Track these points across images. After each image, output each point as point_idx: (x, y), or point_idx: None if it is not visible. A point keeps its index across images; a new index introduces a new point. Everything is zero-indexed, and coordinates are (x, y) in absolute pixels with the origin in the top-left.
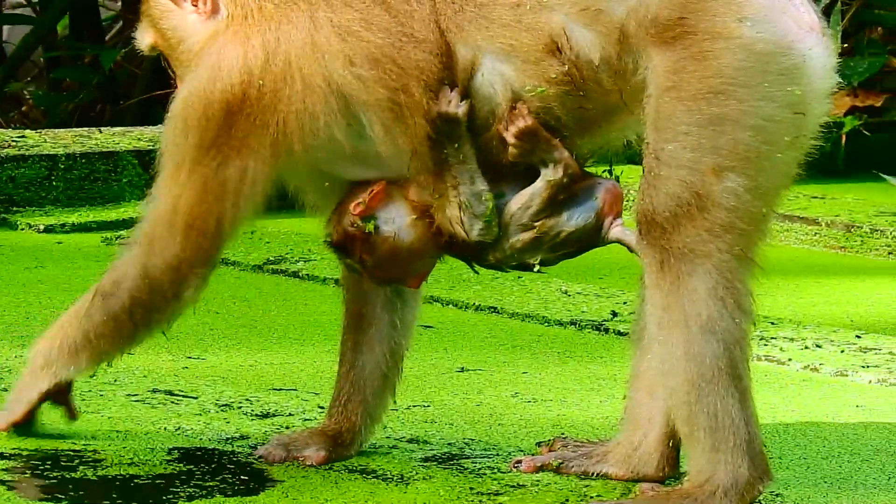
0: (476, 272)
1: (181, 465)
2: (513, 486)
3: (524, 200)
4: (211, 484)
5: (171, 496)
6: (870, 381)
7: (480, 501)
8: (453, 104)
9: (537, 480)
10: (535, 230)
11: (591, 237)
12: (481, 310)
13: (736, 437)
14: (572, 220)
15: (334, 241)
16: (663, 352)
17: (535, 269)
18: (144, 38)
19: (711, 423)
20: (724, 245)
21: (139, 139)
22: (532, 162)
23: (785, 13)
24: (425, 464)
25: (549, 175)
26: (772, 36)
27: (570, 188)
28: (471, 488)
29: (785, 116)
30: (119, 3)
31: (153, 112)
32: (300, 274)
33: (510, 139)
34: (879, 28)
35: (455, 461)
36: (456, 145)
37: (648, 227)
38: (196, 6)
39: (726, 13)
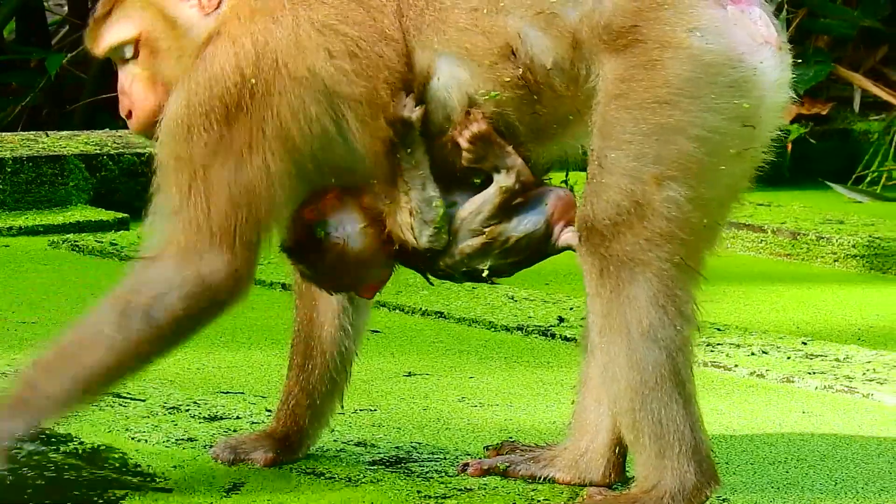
0: (430, 282)
1: (130, 467)
2: (460, 490)
3: (475, 206)
4: (160, 486)
5: (119, 498)
6: (815, 388)
7: None
8: (408, 108)
9: (484, 484)
10: (484, 236)
11: (541, 244)
12: (428, 315)
13: (681, 443)
14: (521, 226)
15: (287, 245)
16: (605, 359)
17: (487, 279)
18: (127, 28)
19: (656, 429)
20: (664, 254)
21: (86, 143)
22: (484, 168)
23: (737, 25)
24: (373, 467)
25: (502, 181)
26: (721, 47)
27: (522, 195)
28: (418, 492)
29: (731, 128)
30: (65, 8)
31: (99, 116)
32: None
33: (464, 144)
34: (825, 36)
35: (403, 465)
36: (409, 150)
37: (589, 233)
38: (199, 1)
39: (677, 23)
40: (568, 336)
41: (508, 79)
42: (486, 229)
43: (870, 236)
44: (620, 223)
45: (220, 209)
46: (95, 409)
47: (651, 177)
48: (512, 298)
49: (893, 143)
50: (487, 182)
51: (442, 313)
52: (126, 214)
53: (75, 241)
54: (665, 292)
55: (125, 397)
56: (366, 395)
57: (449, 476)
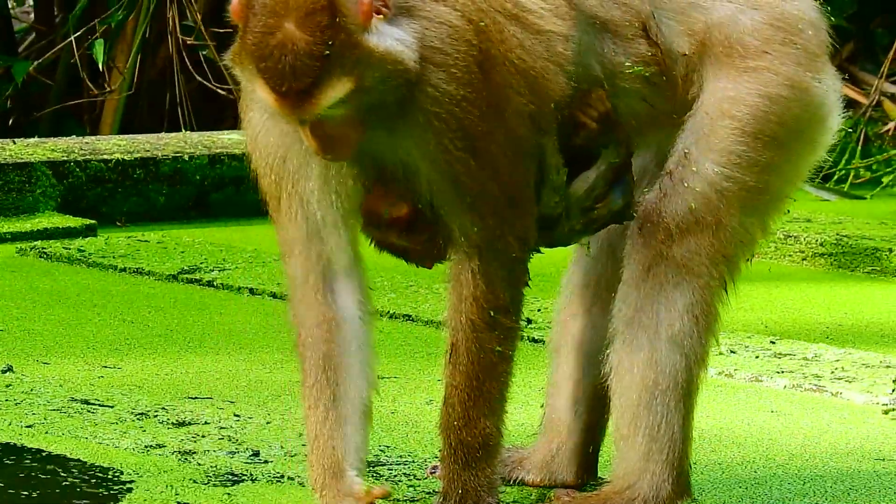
0: (539, 251)
1: (98, 473)
2: (428, 493)
3: (589, 182)
4: (129, 492)
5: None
6: (784, 387)
7: None
8: (602, 101)
9: None
10: (596, 211)
11: (627, 214)
12: (396, 318)
13: (671, 451)
14: (618, 199)
15: (398, 216)
16: (624, 350)
17: (587, 248)
18: (343, 84)
19: (653, 430)
20: (717, 271)
21: (53, 150)
22: (597, 143)
23: (836, 80)
24: None
25: (611, 156)
26: (831, 102)
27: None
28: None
29: (807, 174)
30: (32, 16)
31: (66, 123)
32: (215, 283)
33: (590, 122)
34: None
35: (371, 468)
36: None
37: (652, 227)
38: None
39: (806, 66)
40: (536, 337)
41: (645, 56)
42: (598, 205)
43: (837, 234)
44: (690, 229)
45: (508, 173)
46: (63, 415)
47: (738, 200)
48: None
49: (860, 142)
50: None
51: (410, 316)
52: (93, 221)
53: (43, 248)
54: (703, 305)
55: (93, 403)
56: None
57: (417, 479)
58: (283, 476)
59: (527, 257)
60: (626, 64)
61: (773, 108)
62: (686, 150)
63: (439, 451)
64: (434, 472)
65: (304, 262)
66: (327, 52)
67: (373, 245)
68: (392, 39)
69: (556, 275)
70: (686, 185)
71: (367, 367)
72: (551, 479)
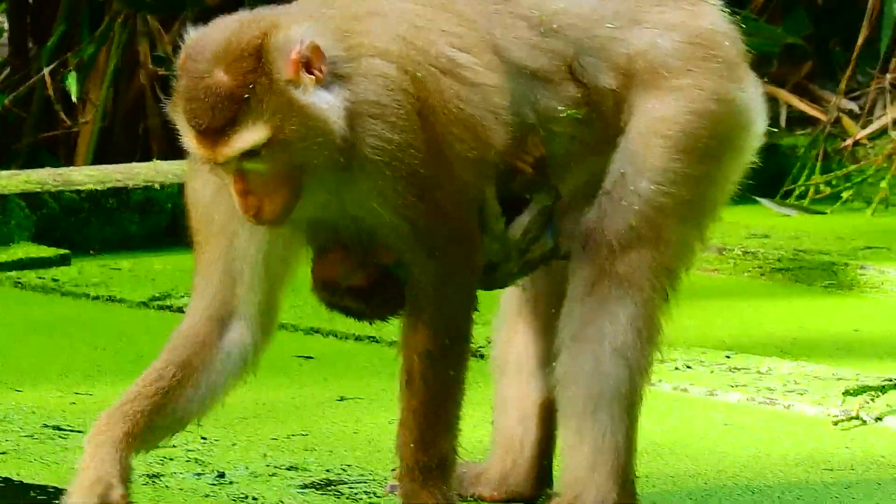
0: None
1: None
2: None
3: (524, 226)
4: None
5: None
6: (737, 400)
7: None
8: (537, 146)
9: None
10: (531, 253)
11: (557, 253)
12: (361, 339)
13: (616, 461)
14: (549, 240)
15: (356, 284)
16: (570, 362)
17: (523, 288)
18: (260, 131)
19: (598, 441)
20: (659, 283)
21: (27, 182)
22: (531, 188)
23: (757, 86)
24: (303, 490)
25: (544, 200)
26: (754, 109)
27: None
28: None
29: (739, 178)
30: (6, 49)
31: (41, 155)
32: (184, 309)
33: (527, 168)
34: (750, 54)
35: (333, 487)
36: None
37: (594, 245)
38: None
39: (729, 78)
40: (482, 354)
41: (575, 97)
42: (533, 247)
43: (795, 249)
44: (631, 245)
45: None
46: (35, 441)
47: (676, 214)
48: None
49: (819, 158)
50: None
51: (374, 338)
52: (67, 250)
53: (18, 278)
54: (645, 318)
55: (65, 429)
56: (298, 419)
57: (378, 497)
58: (247, 496)
59: (475, 286)
60: (559, 108)
61: (702, 123)
62: (622, 171)
63: (398, 470)
64: (393, 491)
65: (206, 301)
66: (246, 94)
67: (324, 306)
68: (318, 99)
69: (492, 294)
70: (624, 203)
71: (212, 394)
72: (509, 493)
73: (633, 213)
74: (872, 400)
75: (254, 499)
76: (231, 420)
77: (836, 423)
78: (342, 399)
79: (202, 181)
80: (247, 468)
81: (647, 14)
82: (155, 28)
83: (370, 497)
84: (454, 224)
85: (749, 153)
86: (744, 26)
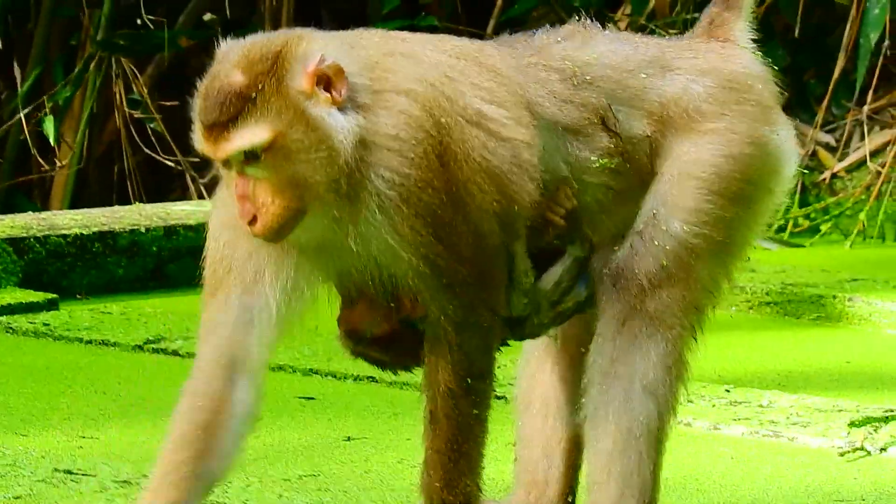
0: (508, 345)
1: None
2: None
3: (556, 277)
4: None
5: None
6: (742, 434)
7: None
8: (569, 198)
9: None
10: (563, 304)
11: (590, 303)
12: (360, 380)
13: (642, 496)
14: (583, 290)
15: (379, 334)
16: (600, 399)
17: (555, 339)
18: (262, 131)
19: (626, 477)
20: (688, 321)
21: (12, 227)
22: (564, 240)
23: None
24: None
25: (577, 251)
26: (788, 152)
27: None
28: None
29: (770, 216)
30: None
31: (17, 199)
32: (180, 352)
33: (558, 220)
34: None
35: None
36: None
37: (625, 283)
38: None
39: (763, 120)
40: (499, 394)
41: (608, 147)
42: (566, 298)
43: (782, 283)
44: (662, 284)
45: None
46: (49, 485)
47: (707, 254)
48: None
49: (798, 190)
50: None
51: (373, 378)
52: (55, 295)
53: (8, 323)
54: (675, 355)
55: (76, 473)
56: (308, 460)
57: None
58: None
59: (498, 326)
60: (592, 159)
61: (735, 167)
62: (654, 211)
63: None
64: None
65: (217, 347)
66: (254, 94)
67: (349, 355)
68: (328, 117)
69: None
70: (656, 243)
71: (235, 450)
72: None
73: (665, 252)
74: (876, 431)
75: None
76: (242, 462)
77: (842, 455)
78: (349, 439)
79: (225, 216)
80: None
81: (678, 60)
82: (129, 70)
83: None
84: (474, 268)
85: (780, 195)
86: None
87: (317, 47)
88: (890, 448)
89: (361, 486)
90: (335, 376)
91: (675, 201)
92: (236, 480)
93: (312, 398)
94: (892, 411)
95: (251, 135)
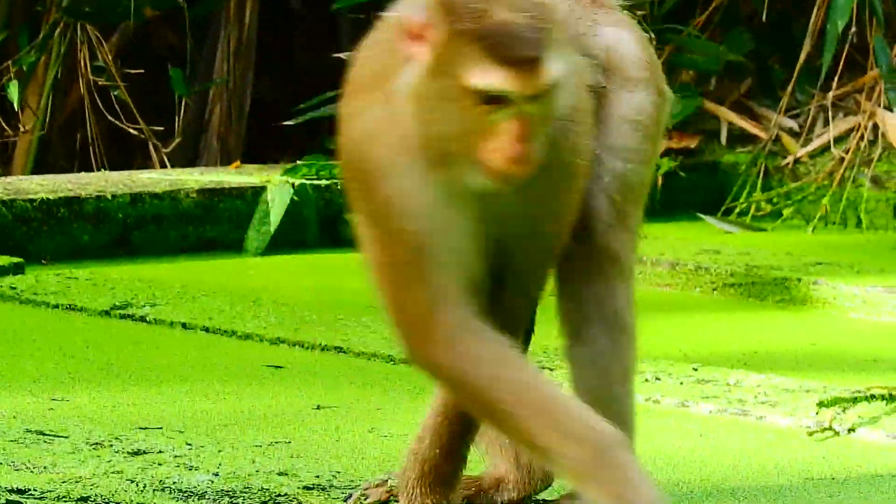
0: None
1: (61, 502)
2: None
3: None
4: None
5: None
6: (709, 412)
7: None
8: None
9: None
10: None
11: None
12: (328, 350)
13: (630, 428)
14: None
15: None
16: (579, 344)
17: None
18: (562, 64)
19: (620, 415)
20: (633, 259)
21: None
22: None
23: None
24: (300, 492)
25: None
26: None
27: None
28: None
29: None
30: None
31: None
32: (147, 318)
33: None
34: (691, 71)
35: (324, 491)
36: None
37: (594, 226)
38: None
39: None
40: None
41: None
42: None
43: (746, 265)
44: (616, 222)
45: None
46: (21, 446)
47: (638, 193)
48: None
49: (760, 175)
50: None
51: (341, 348)
52: (21, 259)
53: None
54: (631, 292)
55: (48, 434)
56: (278, 427)
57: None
58: (246, 493)
59: None
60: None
61: (657, 112)
62: (599, 154)
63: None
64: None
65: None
66: (548, 26)
67: None
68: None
69: None
70: (605, 183)
71: None
72: (534, 483)
73: (610, 191)
74: (844, 411)
75: (252, 496)
76: (213, 427)
77: (810, 434)
78: (319, 408)
79: (416, 182)
80: (238, 472)
81: (599, 16)
82: (94, 38)
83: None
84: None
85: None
86: (685, 44)
87: None
88: (858, 429)
89: (333, 453)
90: (302, 346)
91: (614, 145)
92: (208, 445)
93: (281, 367)
94: (859, 392)
95: (557, 67)
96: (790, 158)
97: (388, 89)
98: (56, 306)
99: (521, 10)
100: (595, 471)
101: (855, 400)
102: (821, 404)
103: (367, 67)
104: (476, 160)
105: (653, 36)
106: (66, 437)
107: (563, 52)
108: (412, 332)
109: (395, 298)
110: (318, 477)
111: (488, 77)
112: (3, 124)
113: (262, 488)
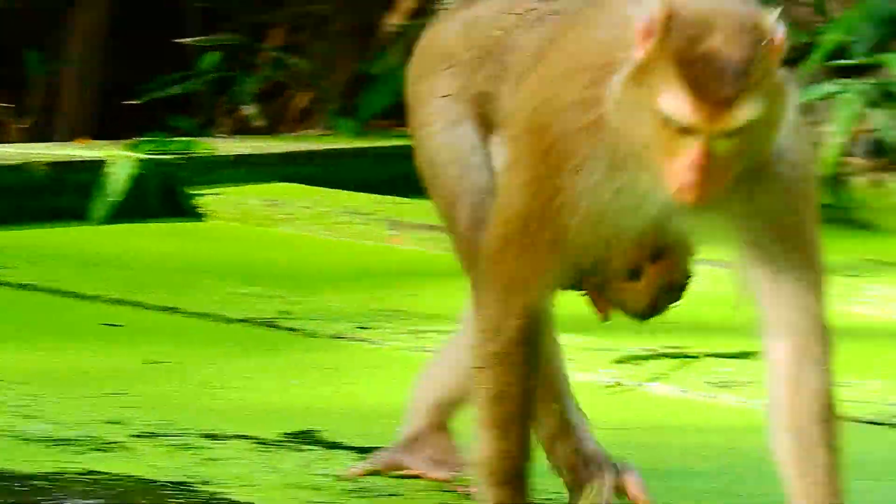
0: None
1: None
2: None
3: None
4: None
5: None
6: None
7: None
8: None
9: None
10: None
11: None
12: (164, 310)
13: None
14: None
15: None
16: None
17: None
18: (758, 106)
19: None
20: None
21: None
22: None
23: None
24: (132, 439)
25: None
26: None
27: None
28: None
29: None
30: None
31: None
32: (12, 283)
33: None
34: None
35: (155, 438)
36: None
37: None
38: None
39: None
40: (292, 327)
41: None
42: None
43: None
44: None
45: None
46: None
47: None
48: (239, 294)
49: None
50: None
51: (176, 308)
52: None
53: None
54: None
55: None
56: (115, 380)
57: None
58: (87, 440)
59: None
60: None
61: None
62: None
63: None
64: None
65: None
66: (753, 67)
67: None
68: (789, 93)
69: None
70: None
71: None
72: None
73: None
74: (639, 366)
75: (86, 443)
76: (52, 380)
77: (607, 388)
78: (154, 363)
79: (600, 169)
80: (75, 421)
81: None
82: None
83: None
84: None
85: None
86: None
87: (774, 19)
88: (652, 383)
89: (168, 403)
90: (140, 306)
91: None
92: (48, 397)
93: (119, 325)
94: (654, 350)
95: (752, 109)
96: None
97: (598, 77)
98: None
99: (734, 41)
100: None
101: (648, 358)
102: (617, 361)
103: (581, 46)
104: (658, 174)
105: None
106: None
107: (770, 89)
108: (495, 294)
109: (504, 259)
110: (148, 425)
111: (678, 106)
112: None
113: (95, 436)
